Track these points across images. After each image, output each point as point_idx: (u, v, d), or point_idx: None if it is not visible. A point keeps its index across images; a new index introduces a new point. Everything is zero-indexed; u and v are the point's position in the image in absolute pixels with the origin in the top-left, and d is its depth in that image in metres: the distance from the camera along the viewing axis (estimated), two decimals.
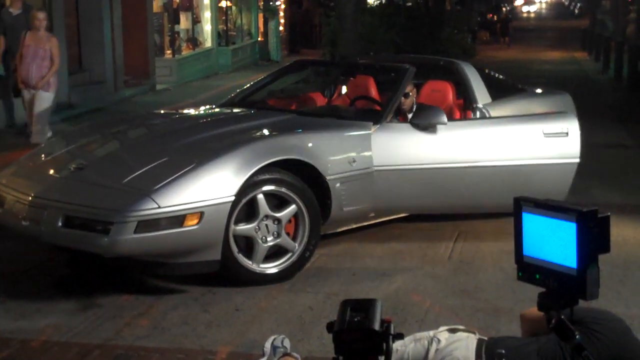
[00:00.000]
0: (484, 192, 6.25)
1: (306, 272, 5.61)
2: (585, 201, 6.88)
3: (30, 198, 5.24)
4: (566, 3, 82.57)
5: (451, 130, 6.24)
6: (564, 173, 6.33)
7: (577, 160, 6.34)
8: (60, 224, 5.02)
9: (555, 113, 6.73)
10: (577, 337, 2.26)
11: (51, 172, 5.63)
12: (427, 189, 6.17)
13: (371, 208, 6.08)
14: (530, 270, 2.36)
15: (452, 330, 3.69)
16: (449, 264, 5.93)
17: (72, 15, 15.03)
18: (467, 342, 3.56)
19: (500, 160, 6.24)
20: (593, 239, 2.22)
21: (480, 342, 3.55)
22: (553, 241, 2.28)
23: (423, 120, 6.16)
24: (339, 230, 6.24)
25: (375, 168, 5.94)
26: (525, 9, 78.73)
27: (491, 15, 42.35)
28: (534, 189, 5.86)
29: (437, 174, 6.13)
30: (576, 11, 73.62)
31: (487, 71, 8.02)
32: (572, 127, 6.36)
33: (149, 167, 5.29)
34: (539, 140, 6.31)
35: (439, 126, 6.14)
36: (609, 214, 2.26)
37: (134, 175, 5.21)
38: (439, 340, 3.62)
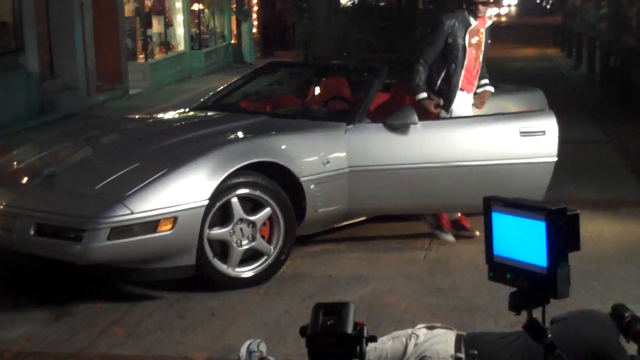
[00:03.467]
0: (460, 193, 6.15)
1: (282, 276, 5.60)
2: (559, 197, 6.92)
3: (1, 207, 5.18)
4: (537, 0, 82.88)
5: (426, 129, 6.19)
6: (541, 172, 6.21)
7: (555, 159, 6.23)
8: (32, 232, 4.98)
9: (533, 111, 6.67)
10: (549, 336, 2.26)
11: (23, 179, 5.57)
12: (402, 189, 6.12)
13: (346, 209, 6.05)
14: (501, 269, 2.37)
15: (430, 328, 3.69)
16: (424, 263, 5.93)
17: (43, 22, 14.88)
18: (446, 337, 3.57)
19: (475, 160, 6.14)
20: (563, 237, 2.23)
21: (459, 337, 3.56)
22: (523, 240, 2.29)
23: (395, 120, 6.13)
24: (314, 232, 6.22)
25: (349, 168, 5.92)
26: (494, 11, 78.17)
27: None
28: (511, 189, 5.75)
29: (412, 174, 6.08)
30: (548, 7, 73.86)
31: None
32: (549, 126, 6.24)
33: (122, 172, 5.26)
34: (515, 139, 6.20)
35: (412, 126, 6.09)
36: (578, 211, 2.27)
37: (106, 182, 5.18)
38: (417, 336, 3.62)
